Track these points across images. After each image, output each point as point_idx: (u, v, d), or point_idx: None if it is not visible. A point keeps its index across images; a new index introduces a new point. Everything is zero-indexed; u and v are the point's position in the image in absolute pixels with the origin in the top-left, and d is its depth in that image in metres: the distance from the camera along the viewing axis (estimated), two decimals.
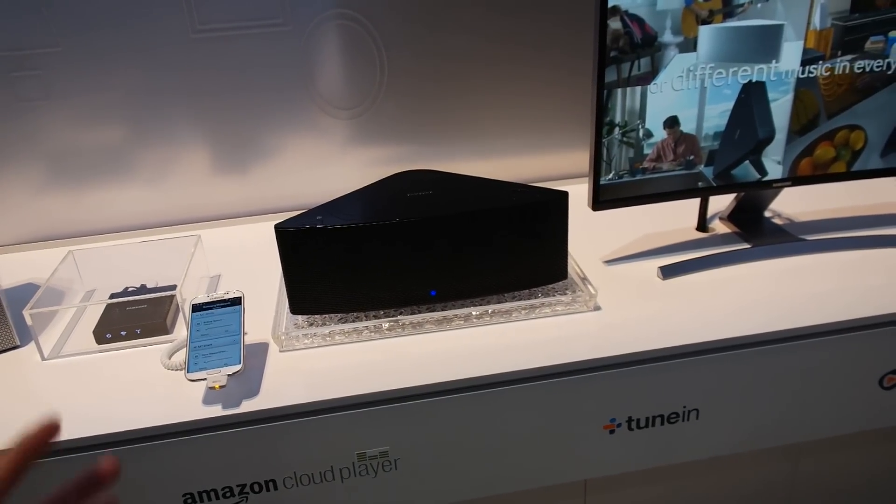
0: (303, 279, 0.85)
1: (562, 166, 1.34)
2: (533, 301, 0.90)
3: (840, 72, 0.96)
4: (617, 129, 0.93)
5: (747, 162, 0.99)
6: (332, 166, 1.27)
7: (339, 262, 0.84)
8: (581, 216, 0.99)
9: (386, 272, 0.85)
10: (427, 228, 0.84)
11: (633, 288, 0.95)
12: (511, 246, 0.87)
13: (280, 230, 0.82)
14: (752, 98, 0.95)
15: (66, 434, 0.73)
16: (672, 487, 1.08)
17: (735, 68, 0.93)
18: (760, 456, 1.09)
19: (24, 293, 1.00)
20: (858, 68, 0.96)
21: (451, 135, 1.28)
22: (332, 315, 0.89)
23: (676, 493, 1.09)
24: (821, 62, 0.95)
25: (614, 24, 0.87)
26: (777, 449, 1.08)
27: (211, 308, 0.83)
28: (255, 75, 1.17)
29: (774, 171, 1.01)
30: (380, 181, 0.97)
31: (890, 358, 0.89)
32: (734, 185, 1.00)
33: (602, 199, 0.96)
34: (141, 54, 1.12)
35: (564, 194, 0.87)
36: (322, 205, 0.88)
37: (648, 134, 0.94)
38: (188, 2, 1.09)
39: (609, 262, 1.03)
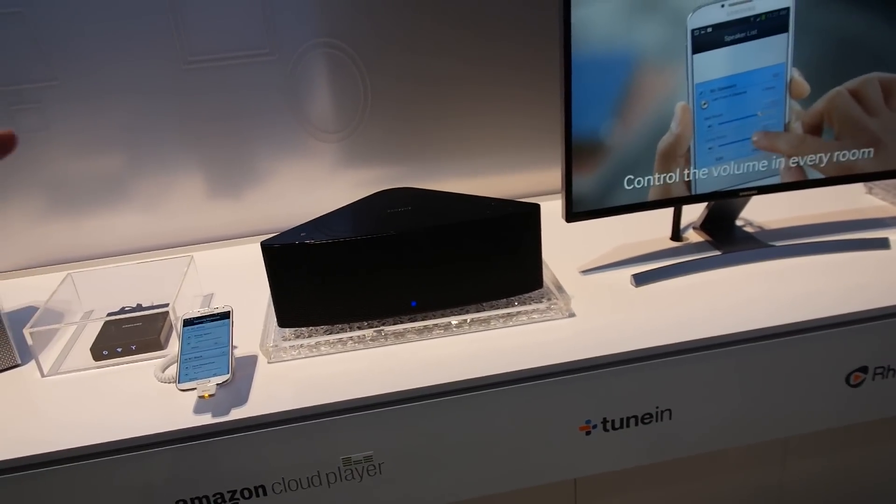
0: (289, 293, 0.89)
1: (542, 182, 1.39)
2: (510, 310, 0.94)
3: None
4: None
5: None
6: (321, 188, 1.32)
7: (322, 276, 0.88)
8: (559, 229, 1.03)
9: (367, 285, 0.90)
10: (405, 242, 0.88)
11: (606, 295, 0.99)
12: (487, 257, 0.91)
13: (266, 247, 0.86)
14: None
15: (65, 444, 0.77)
16: (660, 492, 1.11)
17: None
18: (748, 459, 1.11)
19: (24, 316, 1.03)
20: None
21: (434, 155, 1.33)
22: (317, 327, 0.93)
23: (665, 497, 1.12)
24: None
25: None
26: (764, 452, 1.11)
27: (202, 322, 0.87)
28: (244, 103, 1.22)
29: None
30: (361, 199, 1.01)
31: (855, 356, 0.92)
32: (703, 194, 1.05)
33: (575, 210, 1.00)
34: (135, 86, 1.17)
35: (536, 207, 0.92)
36: (306, 223, 0.93)
37: None
38: (178, 35, 1.15)
39: (585, 271, 1.07)
